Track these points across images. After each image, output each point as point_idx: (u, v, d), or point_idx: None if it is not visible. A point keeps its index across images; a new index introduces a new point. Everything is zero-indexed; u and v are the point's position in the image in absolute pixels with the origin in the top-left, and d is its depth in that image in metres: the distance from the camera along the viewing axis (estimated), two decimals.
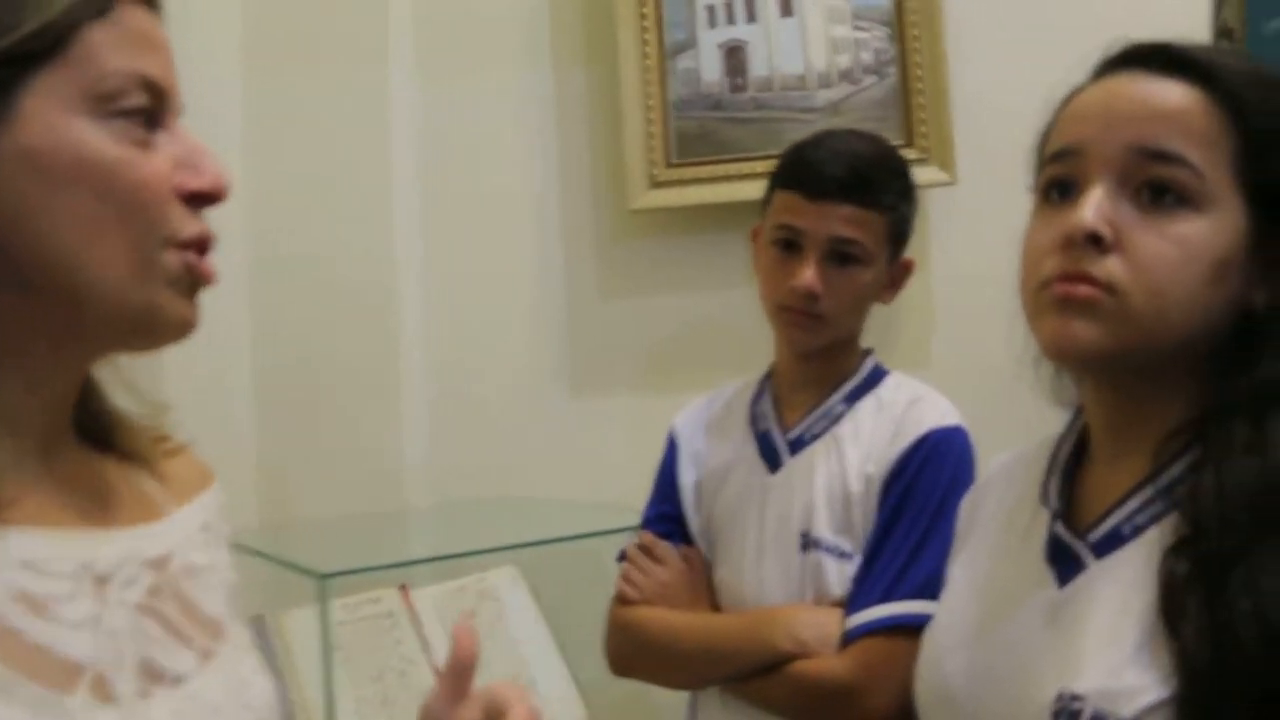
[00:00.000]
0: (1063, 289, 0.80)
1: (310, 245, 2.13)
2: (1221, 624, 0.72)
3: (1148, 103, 0.81)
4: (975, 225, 1.92)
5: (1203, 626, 0.73)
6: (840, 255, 1.40)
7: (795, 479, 1.44)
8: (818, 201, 1.40)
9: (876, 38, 1.98)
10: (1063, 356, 0.82)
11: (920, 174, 1.88)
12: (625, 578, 1.51)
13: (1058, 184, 0.84)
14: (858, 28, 1.99)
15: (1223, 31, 1.22)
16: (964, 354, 1.86)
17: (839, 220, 1.39)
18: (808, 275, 1.39)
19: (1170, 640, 0.74)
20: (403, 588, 1.73)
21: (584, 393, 2.11)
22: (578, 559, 1.74)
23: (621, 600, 1.50)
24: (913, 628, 1.23)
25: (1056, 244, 0.81)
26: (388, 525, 2.01)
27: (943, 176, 1.92)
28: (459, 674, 0.77)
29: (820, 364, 1.48)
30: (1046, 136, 0.88)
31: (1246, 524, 0.74)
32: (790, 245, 1.42)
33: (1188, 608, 0.74)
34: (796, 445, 1.47)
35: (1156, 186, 0.80)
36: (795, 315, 1.42)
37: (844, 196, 1.39)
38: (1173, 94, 0.81)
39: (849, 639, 1.33)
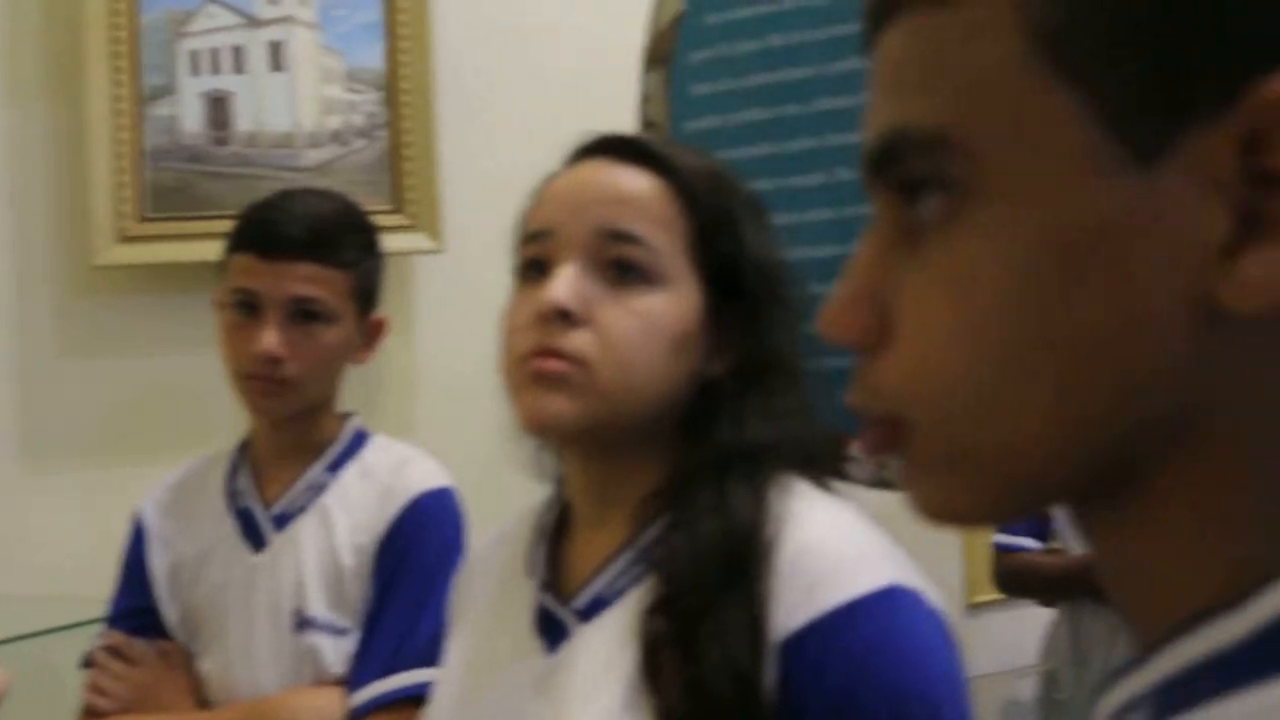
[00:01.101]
0: (536, 364, 0.83)
1: None
2: (697, 677, 0.76)
3: (613, 188, 0.86)
4: (461, 293, 1.95)
5: (681, 681, 0.77)
6: (302, 315, 1.35)
7: (283, 557, 1.37)
8: (273, 261, 1.34)
9: (369, 101, 1.97)
10: (539, 430, 0.85)
11: (407, 241, 1.89)
12: (93, 686, 1.35)
13: (533, 264, 0.87)
14: (351, 89, 1.97)
15: (647, 124, 1.33)
16: (449, 421, 1.88)
17: (297, 279, 1.34)
18: (268, 338, 1.33)
19: (653, 697, 0.78)
20: None
21: (35, 465, 1.89)
22: (28, 665, 1.54)
23: (91, 713, 1.34)
24: (420, 698, 1.21)
25: (531, 321, 0.84)
26: None
27: (430, 244, 1.93)
28: None
29: (297, 431, 1.41)
30: (525, 220, 0.91)
31: (713, 580, 0.79)
32: (249, 309, 1.35)
33: (666, 664, 0.78)
34: (281, 521, 1.39)
35: (621, 265, 0.85)
36: (260, 382, 1.35)
37: (301, 254, 1.34)
38: (635, 181, 0.86)
39: (354, 718, 1.28)
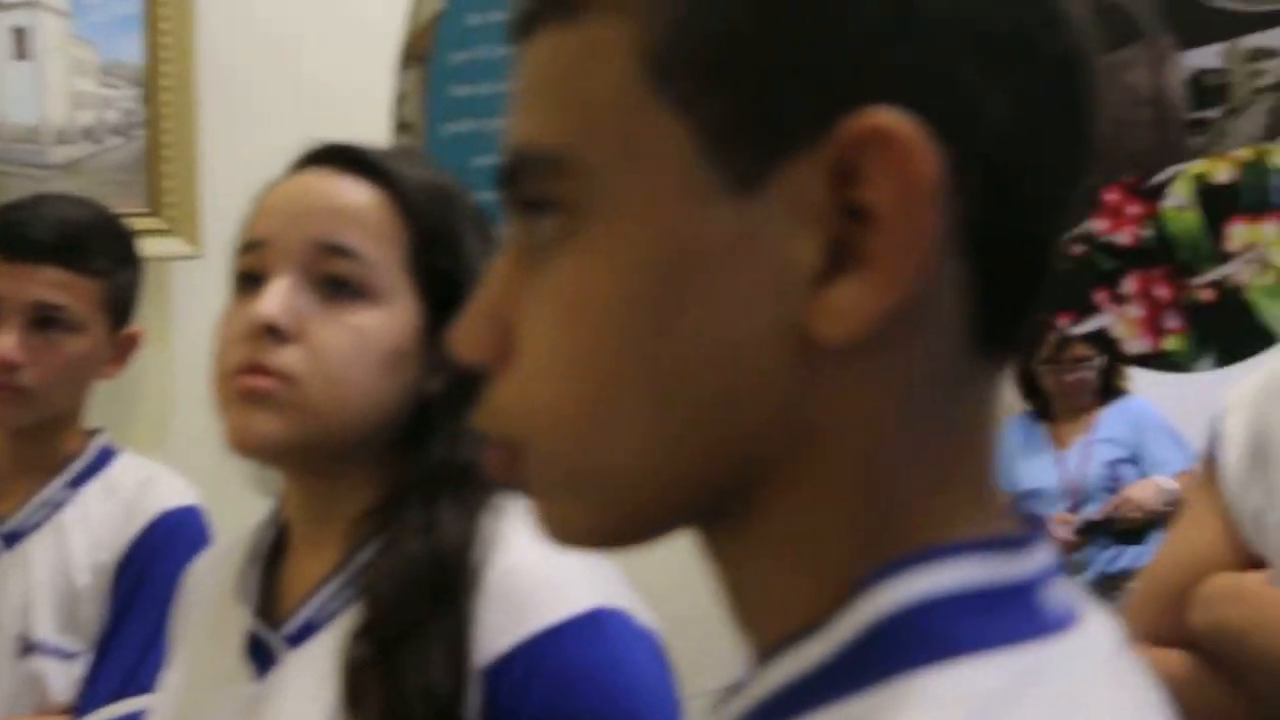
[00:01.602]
0: (242, 381, 0.80)
1: None
2: (396, 704, 0.75)
3: (329, 199, 0.84)
4: (221, 301, 1.87)
5: (381, 708, 0.75)
6: (45, 321, 1.29)
7: (10, 578, 1.30)
8: (17, 263, 1.28)
9: (126, 97, 1.87)
10: (245, 449, 0.82)
11: (164, 246, 1.81)
12: None
13: (248, 275, 0.84)
14: (106, 84, 1.87)
15: (403, 126, 1.31)
16: (206, 434, 1.80)
17: (42, 284, 1.28)
18: (4, 343, 1.26)
19: None
20: None
21: None
22: None
23: None
24: None
25: (241, 335, 0.81)
26: None
27: (187, 249, 1.85)
28: None
29: (37, 445, 1.34)
30: (243, 229, 0.88)
31: (417, 604, 0.77)
32: None
33: (368, 691, 0.76)
34: (12, 539, 1.32)
35: (335, 279, 0.82)
36: None
37: (48, 258, 1.29)
38: (353, 192, 0.84)
39: None
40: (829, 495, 0.37)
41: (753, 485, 0.38)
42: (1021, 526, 0.39)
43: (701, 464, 0.38)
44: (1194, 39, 1.50)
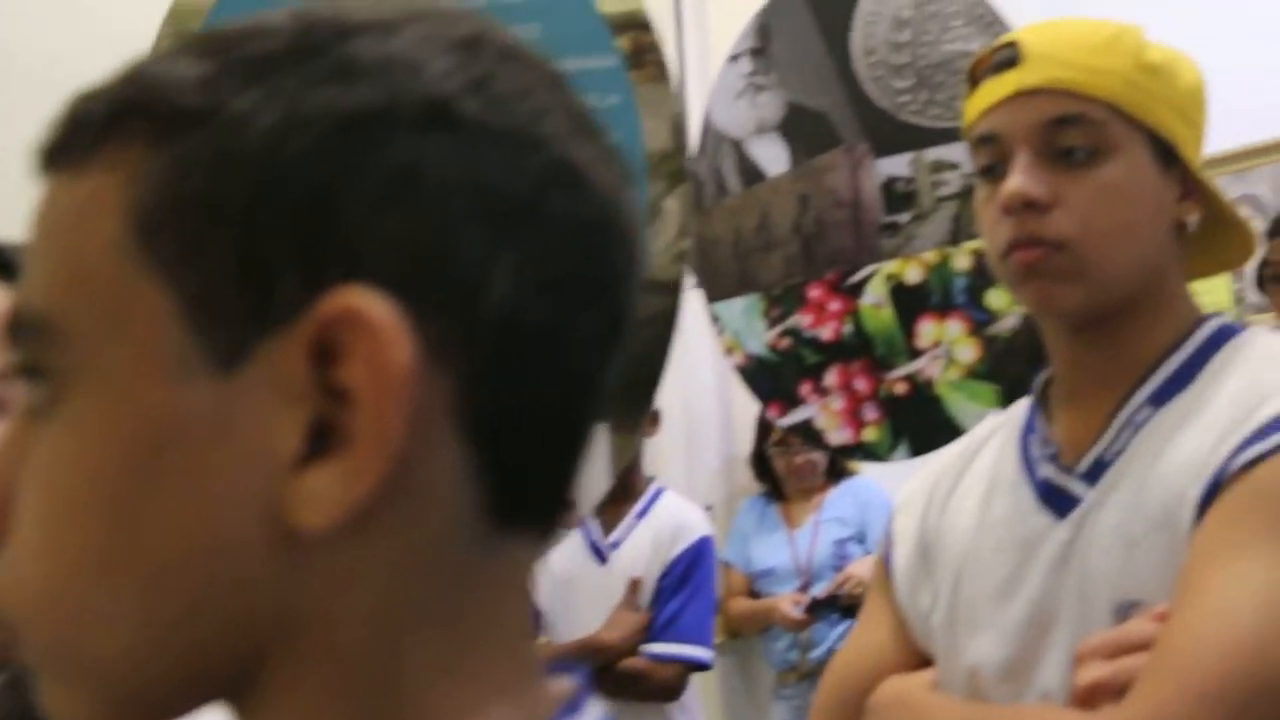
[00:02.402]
0: None
1: None
2: None
3: None
4: None
5: None
6: None
7: None
8: None
9: None
10: None
11: None
12: None
13: None
14: None
15: None
16: None
17: None
18: None
19: None
20: None
21: None
22: None
23: None
24: None
25: None
26: None
27: None
28: None
29: None
30: None
31: None
32: None
33: None
34: None
35: None
36: None
37: None
38: None
39: None
40: (325, 689, 0.36)
41: (253, 672, 0.36)
42: (560, 698, 0.38)
43: (191, 653, 0.36)
44: (886, 148, 1.60)
